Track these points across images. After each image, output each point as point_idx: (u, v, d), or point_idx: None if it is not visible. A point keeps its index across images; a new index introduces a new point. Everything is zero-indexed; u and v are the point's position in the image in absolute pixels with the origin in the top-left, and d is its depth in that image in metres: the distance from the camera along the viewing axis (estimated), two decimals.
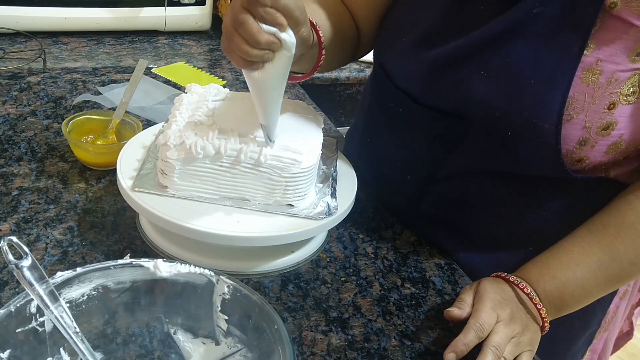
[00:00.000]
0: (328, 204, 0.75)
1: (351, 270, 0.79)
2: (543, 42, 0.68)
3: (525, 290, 0.72)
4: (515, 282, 0.72)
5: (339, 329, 0.70)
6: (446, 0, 0.75)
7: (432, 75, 0.76)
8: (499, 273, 0.75)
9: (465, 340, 0.66)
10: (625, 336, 1.05)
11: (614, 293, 0.90)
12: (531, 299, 0.71)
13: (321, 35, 0.77)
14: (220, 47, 0.66)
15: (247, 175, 0.72)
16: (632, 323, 1.04)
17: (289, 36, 0.64)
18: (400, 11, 0.84)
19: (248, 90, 0.70)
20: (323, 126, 0.82)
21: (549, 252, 0.75)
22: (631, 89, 0.68)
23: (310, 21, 0.72)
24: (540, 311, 0.71)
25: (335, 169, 0.83)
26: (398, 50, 0.81)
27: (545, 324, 0.72)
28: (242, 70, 0.67)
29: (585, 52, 0.66)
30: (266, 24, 0.61)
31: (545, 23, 0.67)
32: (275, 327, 0.55)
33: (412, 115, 0.81)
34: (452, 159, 0.79)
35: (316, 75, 1.40)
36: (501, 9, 0.69)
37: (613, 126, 0.69)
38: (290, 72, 0.71)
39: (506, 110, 0.70)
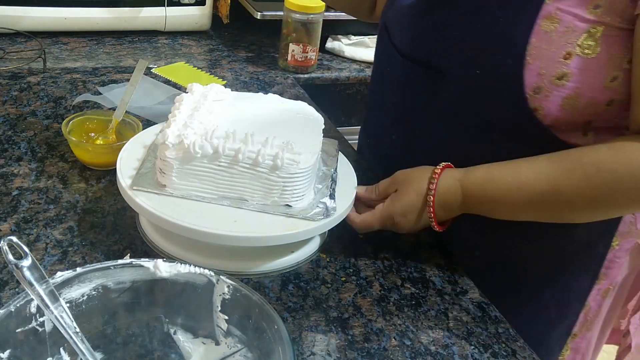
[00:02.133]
0: (326, 205, 0.75)
1: (351, 270, 0.79)
2: None
3: (431, 186, 0.76)
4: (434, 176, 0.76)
5: (339, 329, 0.70)
6: None
7: (411, 23, 0.83)
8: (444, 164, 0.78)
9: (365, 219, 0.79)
10: (627, 349, 1.04)
11: (591, 285, 0.89)
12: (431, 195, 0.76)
13: None
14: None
15: (245, 175, 0.72)
16: (628, 331, 1.01)
17: None
18: None
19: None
20: (323, 126, 0.82)
21: (501, 163, 0.76)
22: (589, 42, 0.69)
23: None
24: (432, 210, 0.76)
25: (336, 170, 0.83)
26: (392, 6, 0.90)
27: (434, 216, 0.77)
28: None
29: (545, 0, 0.69)
30: None
31: None
32: (275, 327, 0.55)
33: (398, 72, 0.87)
34: (429, 113, 0.83)
35: (316, 75, 1.41)
36: None
37: (567, 77, 0.70)
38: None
39: (477, 51, 0.75)
